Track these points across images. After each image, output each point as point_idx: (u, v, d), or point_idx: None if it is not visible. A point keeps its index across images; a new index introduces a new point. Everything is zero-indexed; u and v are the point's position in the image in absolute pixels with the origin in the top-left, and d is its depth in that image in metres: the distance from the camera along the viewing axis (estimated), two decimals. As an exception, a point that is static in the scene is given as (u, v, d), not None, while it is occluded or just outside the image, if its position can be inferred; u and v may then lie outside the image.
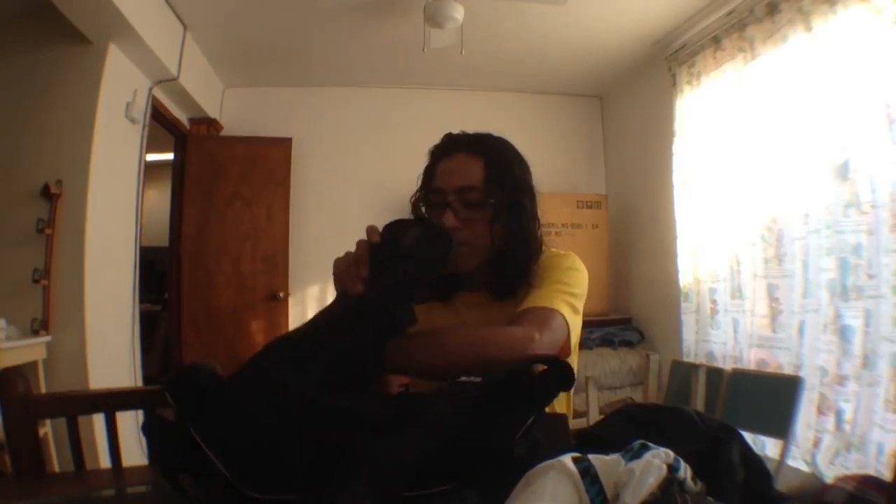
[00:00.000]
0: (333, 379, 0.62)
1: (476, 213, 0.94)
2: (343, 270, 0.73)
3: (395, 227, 0.75)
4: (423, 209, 1.01)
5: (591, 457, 0.42)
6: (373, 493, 0.44)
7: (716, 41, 2.91)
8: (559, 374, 0.58)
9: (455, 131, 1.04)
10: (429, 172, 1.02)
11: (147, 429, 0.61)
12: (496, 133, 1.04)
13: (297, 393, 0.55)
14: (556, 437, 0.57)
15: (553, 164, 4.07)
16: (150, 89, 2.97)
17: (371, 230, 0.76)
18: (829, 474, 2.05)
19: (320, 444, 0.50)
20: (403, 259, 0.72)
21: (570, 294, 0.93)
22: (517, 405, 0.56)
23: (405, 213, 0.99)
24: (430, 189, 0.99)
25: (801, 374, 2.19)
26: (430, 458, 0.48)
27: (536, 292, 0.92)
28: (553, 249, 1.05)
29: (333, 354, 0.63)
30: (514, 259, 0.97)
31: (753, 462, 0.49)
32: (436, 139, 1.05)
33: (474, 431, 0.51)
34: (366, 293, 0.69)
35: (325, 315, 0.71)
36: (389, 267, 0.71)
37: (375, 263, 0.71)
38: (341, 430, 0.50)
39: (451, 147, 1.00)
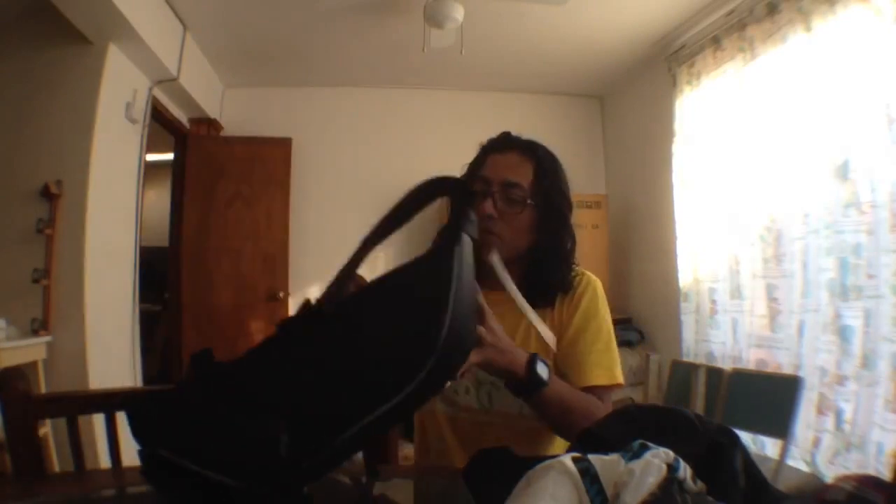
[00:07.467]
0: None
1: (516, 210, 0.95)
2: None
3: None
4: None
5: (591, 457, 0.42)
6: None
7: (716, 41, 2.91)
8: None
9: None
10: (476, 163, 1.01)
11: (149, 475, 0.54)
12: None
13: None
14: None
15: (553, 164, 4.06)
16: (150, 89, 2.97)
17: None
18: (829, 474, 2.05)
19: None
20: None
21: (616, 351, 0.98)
22: None
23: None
24: (475, 178, 0.98)
25: (801, 374, 2.19)
26: None
27: (604, 355, 0.95)
28: (584, 270, 1.05)
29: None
30: (550, 269, 0.98)
31: (751, 467, 0.49)
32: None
33: None
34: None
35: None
36: None
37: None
38: None
39: (505, 144, 1.01)
